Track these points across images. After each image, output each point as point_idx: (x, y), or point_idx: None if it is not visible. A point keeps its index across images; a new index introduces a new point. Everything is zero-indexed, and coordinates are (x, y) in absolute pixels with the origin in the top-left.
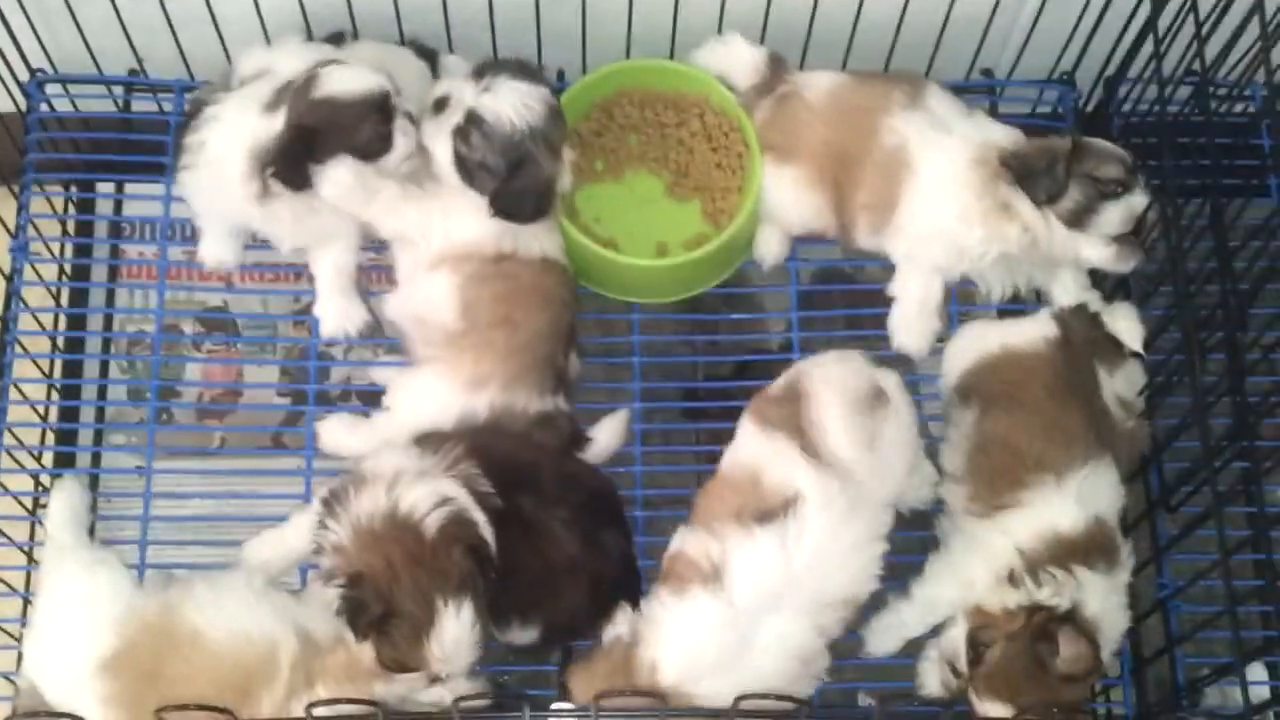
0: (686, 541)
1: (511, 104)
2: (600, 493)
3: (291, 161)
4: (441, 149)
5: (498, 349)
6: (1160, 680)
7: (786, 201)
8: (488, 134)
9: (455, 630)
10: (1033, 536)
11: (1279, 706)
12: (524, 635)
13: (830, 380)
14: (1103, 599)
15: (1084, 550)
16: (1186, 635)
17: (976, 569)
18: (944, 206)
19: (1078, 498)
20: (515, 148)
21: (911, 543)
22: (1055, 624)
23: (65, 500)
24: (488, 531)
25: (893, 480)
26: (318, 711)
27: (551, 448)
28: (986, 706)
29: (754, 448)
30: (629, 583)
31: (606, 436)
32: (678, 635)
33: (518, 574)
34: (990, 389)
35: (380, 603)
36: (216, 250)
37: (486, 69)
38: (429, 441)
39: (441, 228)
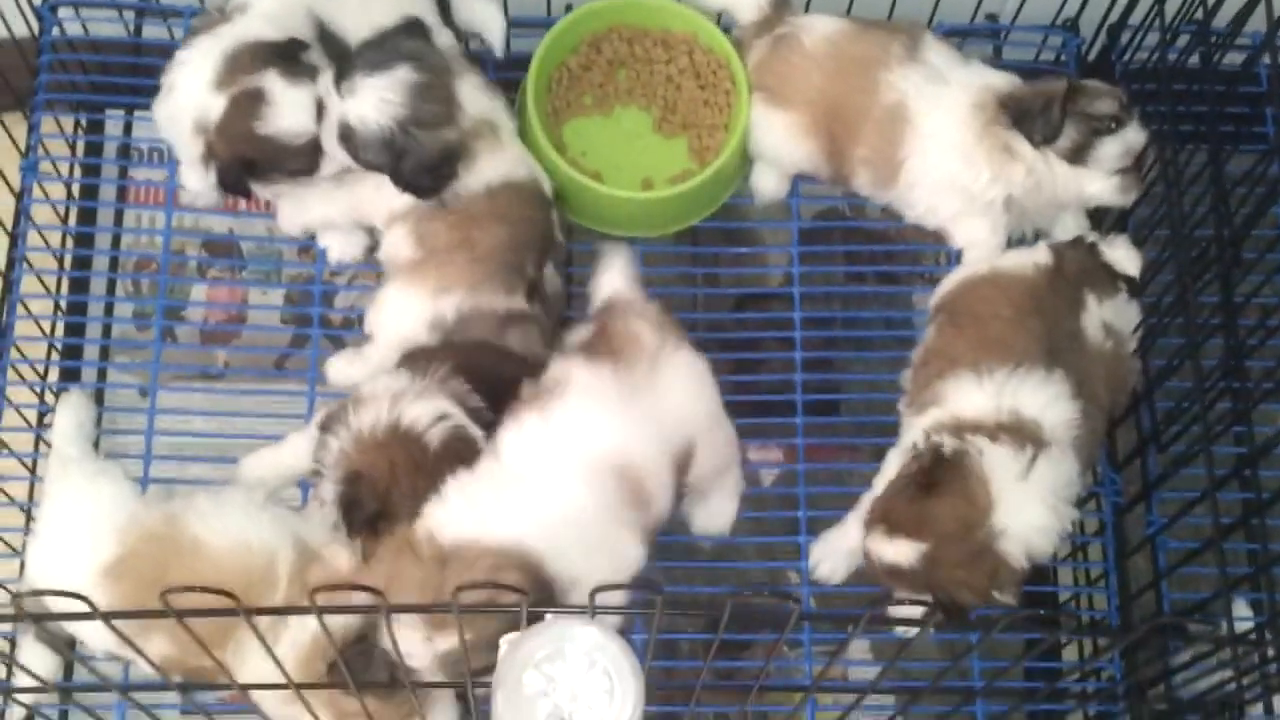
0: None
1: (372, 104)
2: None
3: (232, 179)
4: (337, 152)
5: (458, 263)
6: (1147, 618)
7: (779, 144)
8: (361, 141)
9: None
10: (937, 422)
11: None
12: None
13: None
14: (1004, 474)
15: (989, 431)
16: (1173, 567)
17: (894, 462)
18: (948, 155)
19: (993, 391)
20: (389, 145)
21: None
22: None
23: (71, 413)
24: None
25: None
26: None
27: (532, 361)
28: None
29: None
30: None
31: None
32: (449, 498)
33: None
34: (958, 305)
35: (376, 501)
36: (193, 180)
37: (343, 69)
38: (416, 362)
39: (381, 200)
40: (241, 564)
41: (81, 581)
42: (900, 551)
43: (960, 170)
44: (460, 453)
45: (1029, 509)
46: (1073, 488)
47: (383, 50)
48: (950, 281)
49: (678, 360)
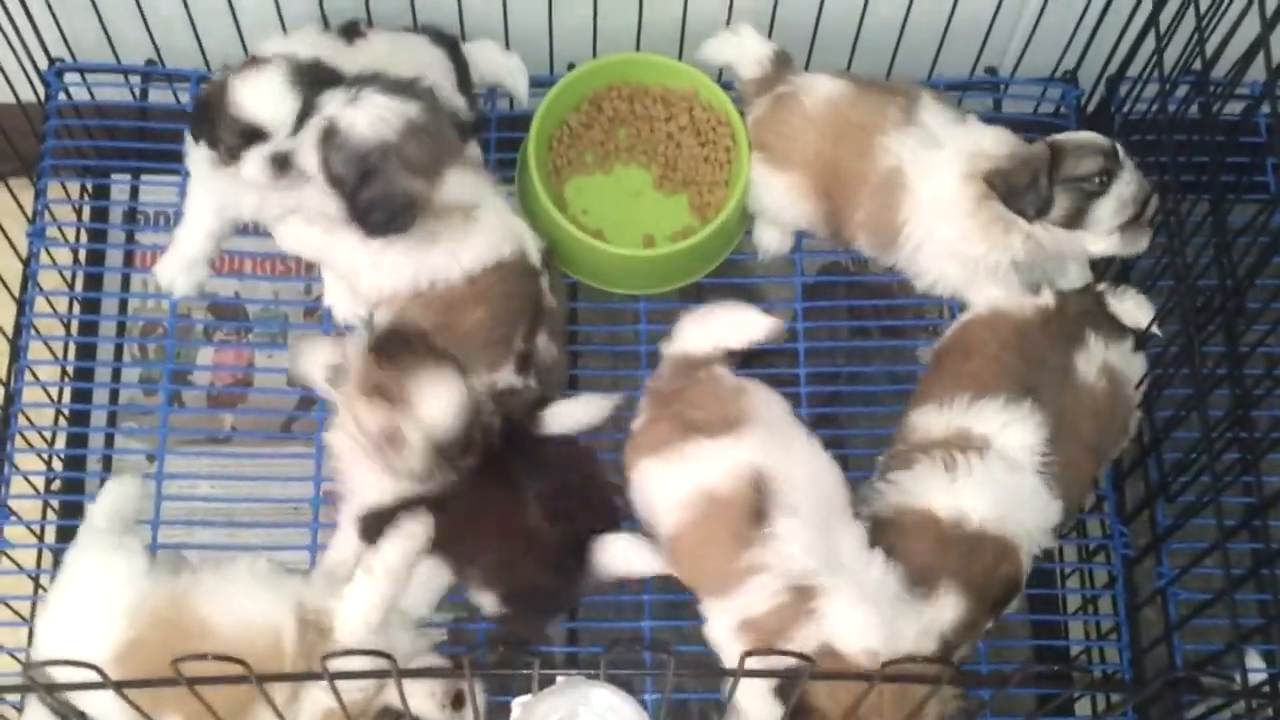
0: None
1: (368, 117)
2: (591, 479)
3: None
4: (306, 157)
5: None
6: (1159, 671)
7: (778, 205)
8: (339, 144)
9: (446, 381)
10: (890, 455)
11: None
12: (487, 600)
13: None
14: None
15: (927, 449)
16: (1184, 619)
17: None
18: (946, 223)
19: (948, 417)
20: (363, 159)
21: None
22: None
23: (118, 491)
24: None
25: None
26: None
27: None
28: None
29: None
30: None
31: (573, 410)
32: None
33: (479, 524)
34: (951, 345)
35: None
36: (170, 270)
37: (357, 81)
38: None
39: (371, 280)
40: (247, 642)
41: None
42: None
43: (958, 244)
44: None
45: (977, 498)
46: (1046, 513)
47: (402, 85)
48: (952, 326)
49: None
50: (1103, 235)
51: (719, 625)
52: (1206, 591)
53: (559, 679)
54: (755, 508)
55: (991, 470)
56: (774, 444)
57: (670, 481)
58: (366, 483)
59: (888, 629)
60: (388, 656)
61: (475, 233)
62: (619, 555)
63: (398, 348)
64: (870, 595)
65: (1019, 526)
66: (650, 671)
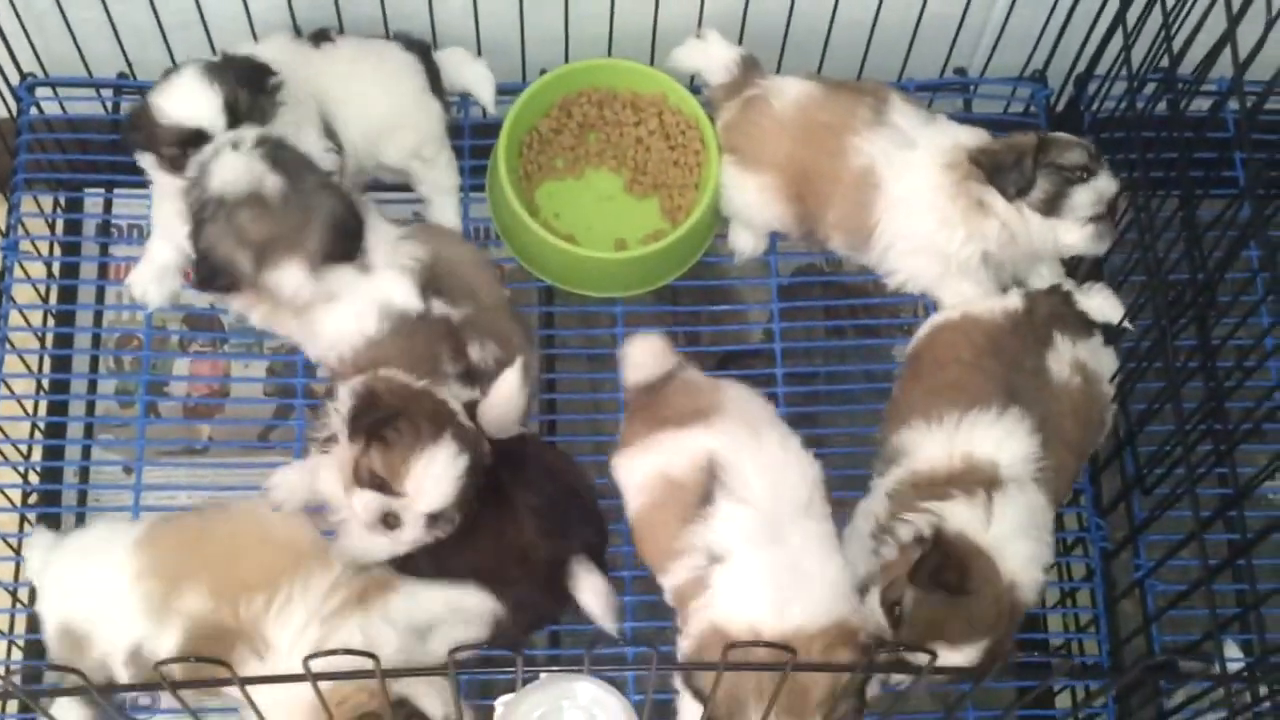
0: None
1: (224, 172)
2: (576, 490)
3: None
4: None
5: None
6: (1138, 658)
7: (750, 206)
8: (196, 183)
9: (442, 461)
10: (899, 482)
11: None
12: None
13: None
14: (969, 521)
15: (941, 487)
16: (1162, 610)
17: (863, 520)
18: (922, 218)
19: (943, 439)
20: (201, 208)
21: None
22: (929, 552)
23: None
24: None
25: None
26: (315, 664)
27: (536, 440)
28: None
29: None
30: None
31: (496, 398)
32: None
33: (475, 541)
34: (923, 353)
35: (388, 408)
36: (145, 277)
37: (260, 139)
38: None
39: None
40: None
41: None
42: (965, 656)
43: (934, 231)
44: (468, 429)
45: (1018, 550)
46: (1046, 517)
47: (291, 162)
48: (922, 329)
49: None
50: (1076, 226)
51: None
52: (1184, 583)
53: (542, 675)
54: (704, 490)
55: (1014, 506)
56: (739, 434)
57: (636, 468)
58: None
59: (784, 609)
60: (372, 656)
61: (337, 315)
62: (586, 593)
63: (384, 428)
64: (774, 575)
65: (1036, 552)
66: (633, 668)
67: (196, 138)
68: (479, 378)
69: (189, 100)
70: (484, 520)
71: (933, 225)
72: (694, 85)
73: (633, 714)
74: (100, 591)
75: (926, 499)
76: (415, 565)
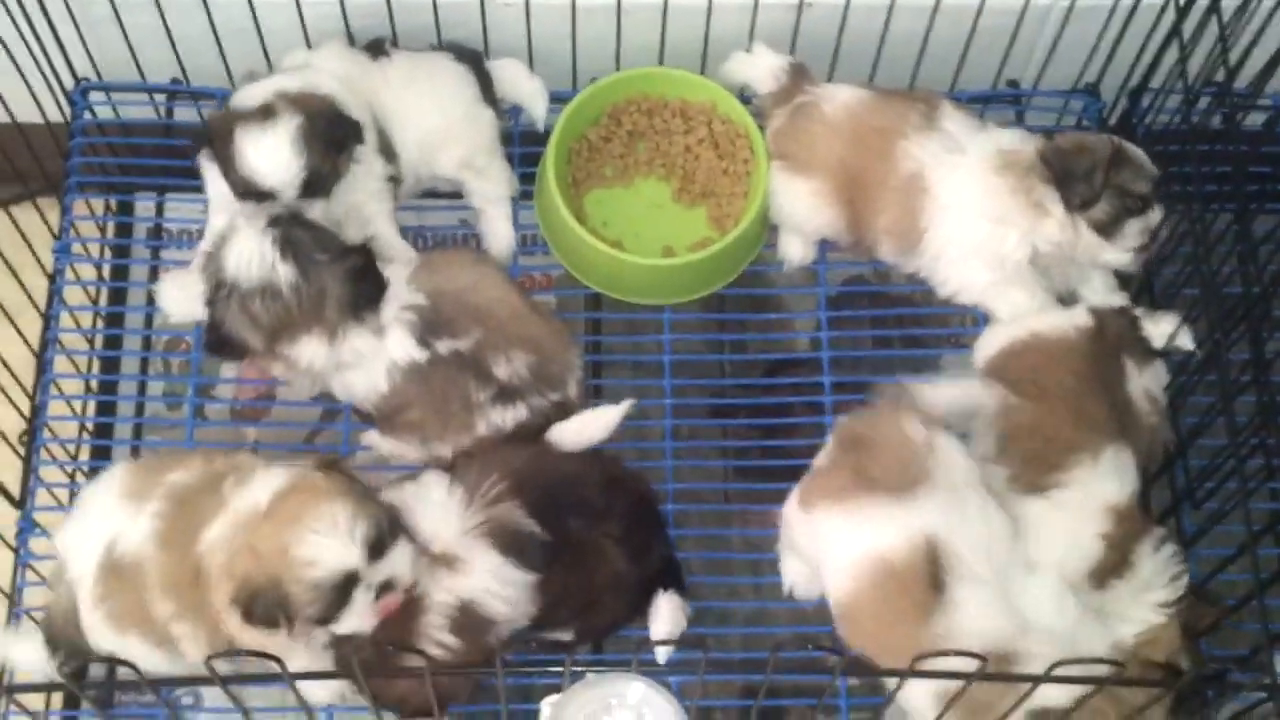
0: None
1: (238, 255)
2: (642, 496)
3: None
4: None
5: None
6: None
7: (800, 212)
8: (213, 258)
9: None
10: (1095, 514)
11: None
12: (562, 635)
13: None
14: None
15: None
16: (1212, 623)
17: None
18: (973, 222)
19: (1115, 474)
20: (217, 284)
21: None
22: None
23: None
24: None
25: None
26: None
27: (591, 455)
28: None
29: None
30: (670, 577)
31: (580, 427)
32: None
33: (567, 595)
34: (1016, 374)
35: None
36: (174, 294)
37: (284, 219)
38: (469, 470)
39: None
40: None
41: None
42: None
43: (986, 231)
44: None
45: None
46: None
47: (312, 240)
48: (991, 344)
49: None
50: (1119, 251)
51: (916, 694)
52: (1233, 597)
53: (589, 675)
54: (929, 578)
55: None
56: (950, 509)
57: (844, 540)
58: None
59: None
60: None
61: (349, 379)
62: (662, 610)
63: None
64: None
65: None
66: (680, 670)
67: (265, 194)
68: (517, 393)
69: (274, 163)
70: (573, 574)
71: (985, 227)
72: (744, 95)
73: (682, 714)
74: (85, 512)
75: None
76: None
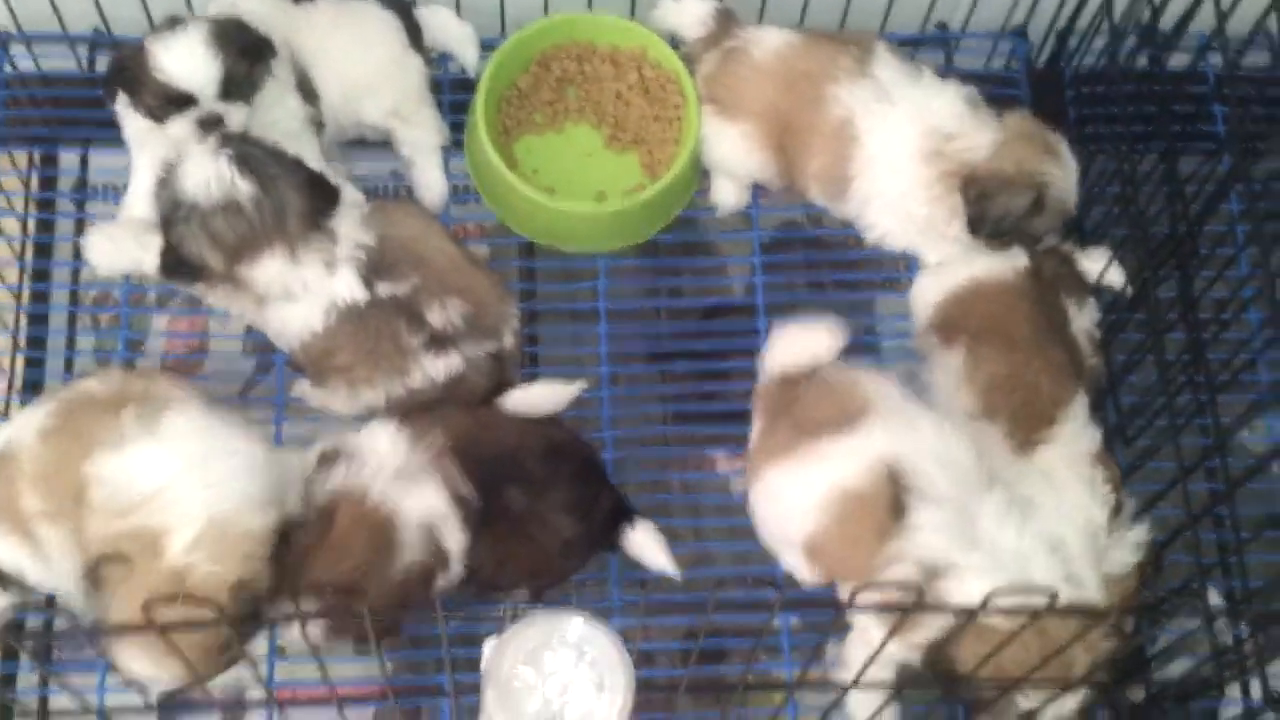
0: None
1: (195, 176)
2: (584, 459)
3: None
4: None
5: (340, 387)
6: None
7: (731, 156)
8: (165, 183)
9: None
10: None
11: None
12: (518, 596)
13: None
14: None
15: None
16: (1147, 559)
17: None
18: (897, 181)
19: (1089, 420)
20: (173, 208)
21: None
22: None
23: None
24: (455, 542)
25: None
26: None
27: (531, 423)
28: None
29: None
30: (624, 514)
31: (533, 397)
32: None
33: (510, 562)
34: (977, 324)
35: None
36: (103, 246)
37: (227, 137)
38: (415, 424)
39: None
40: None
41: None
42: None
43: (907, 196)
44: (424, 574)
45: None
46: None
47: (261, 156)
48: (930, 294)
49: None
50: None
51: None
52: (1166, 532)
53: (531, 614)
54: (892, 499)
55: None
56: (903, 432)
57: (801, 485)
58: None
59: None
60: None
61: (287, 312)
62: (644, 547)
63: None
64: (1004, 564)
65: None
66: (621, 610)
67: (184, 100)
68: (449, 341)
69: (189, 63)
70: (515, 543)
71: (908, 193)
72: (674, 41)
73: (622, 649)
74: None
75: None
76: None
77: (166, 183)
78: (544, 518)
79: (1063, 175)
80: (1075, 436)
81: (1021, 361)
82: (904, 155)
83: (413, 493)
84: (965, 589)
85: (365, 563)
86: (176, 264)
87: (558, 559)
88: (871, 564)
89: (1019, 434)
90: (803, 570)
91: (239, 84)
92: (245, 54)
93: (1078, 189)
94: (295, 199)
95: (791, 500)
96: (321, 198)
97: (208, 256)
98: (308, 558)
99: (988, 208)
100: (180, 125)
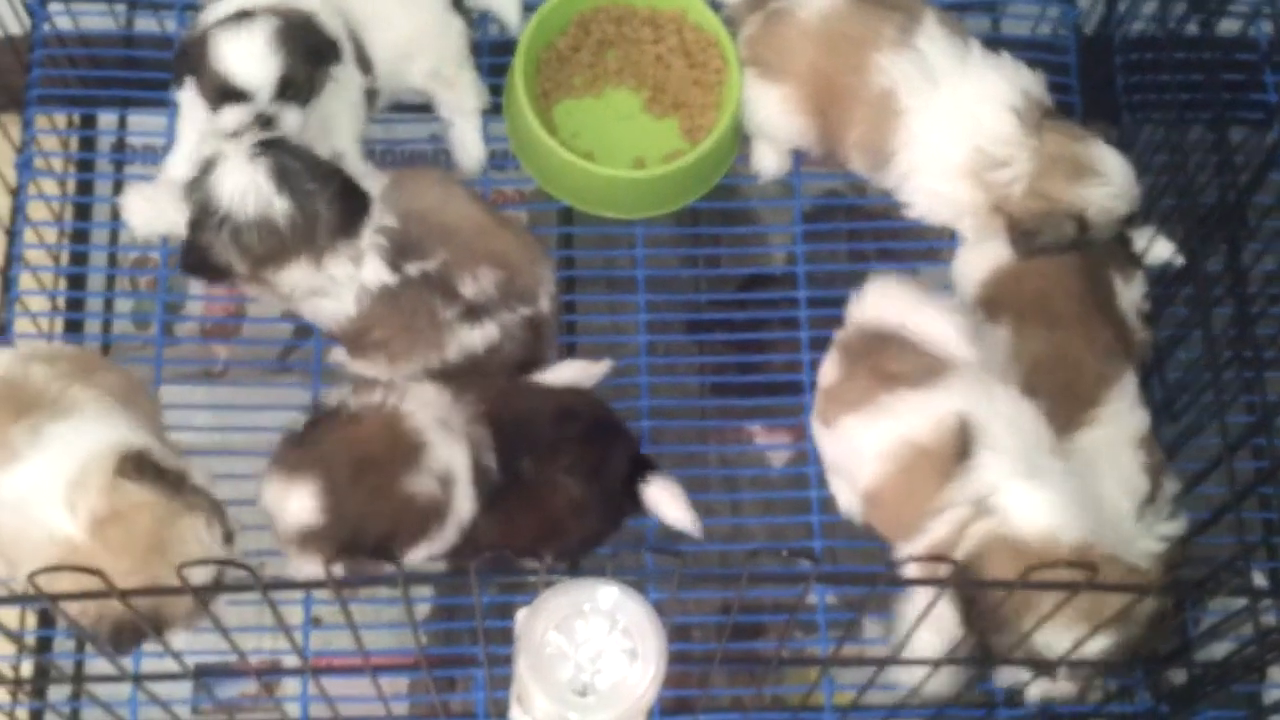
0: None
1: (231, 186)
2: (596, 419)
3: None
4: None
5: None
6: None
7: (772, 119)
8: (199, 185)
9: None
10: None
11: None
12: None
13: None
14: None
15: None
16: (1188, 535)
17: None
18: (940, 166)
19: (1137, 400)
20: (204, 212)
21: None
22: None
23: None
24: (463, 506)
25: None
26: None
27: (549, 388)
28: None
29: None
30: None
31: (564, 375)
32: None
33: (520, 531)
34: (1020, 302)
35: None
36: (140, 207)
37: (268, 142)
38: (459, 385)
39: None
40: None
41: None
42: None
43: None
44: (424, 513)
45: None
46: None
47: (301, 167)
48: (972, 270)
49: None
50: None
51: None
52: (1210, 511)
53: (563, 581)
54: (958, 449)
55: None
56: (979, 393)
57: (871, 435)
58: None
59: (1079, 523)
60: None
61: (320, 305)
62: (659, 502)
63: None
64: (1058, 487)
65: None
66: (655, 578)
67: (239, 95)
68: (484, 311)
69: (248, 62)
70: (524, 512)
71: (948, 191)
72: (714, 2)
73: (655, 617)
74: None
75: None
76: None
77: (200, 184)
78: (552, 480)
79: (1104, 190)
80: (1120, 417)
81: (1065, 340)
82: (949, 163)
83: (444, 440)
84: (1019, 503)
85: (381, 455)
86: (201, 265)
87: (571, 519)
88: (926, 512)
89: (1061, 415)
90: (855, 507)
91: (297, 87)
92: (308, 57)
93: (1130, 186)
94: (329, 214)
95: (861, 447)
96: (355, 210)
97: (234, 263)
98: (328, 434)
99: (1035, 241)
100: (231, 116)
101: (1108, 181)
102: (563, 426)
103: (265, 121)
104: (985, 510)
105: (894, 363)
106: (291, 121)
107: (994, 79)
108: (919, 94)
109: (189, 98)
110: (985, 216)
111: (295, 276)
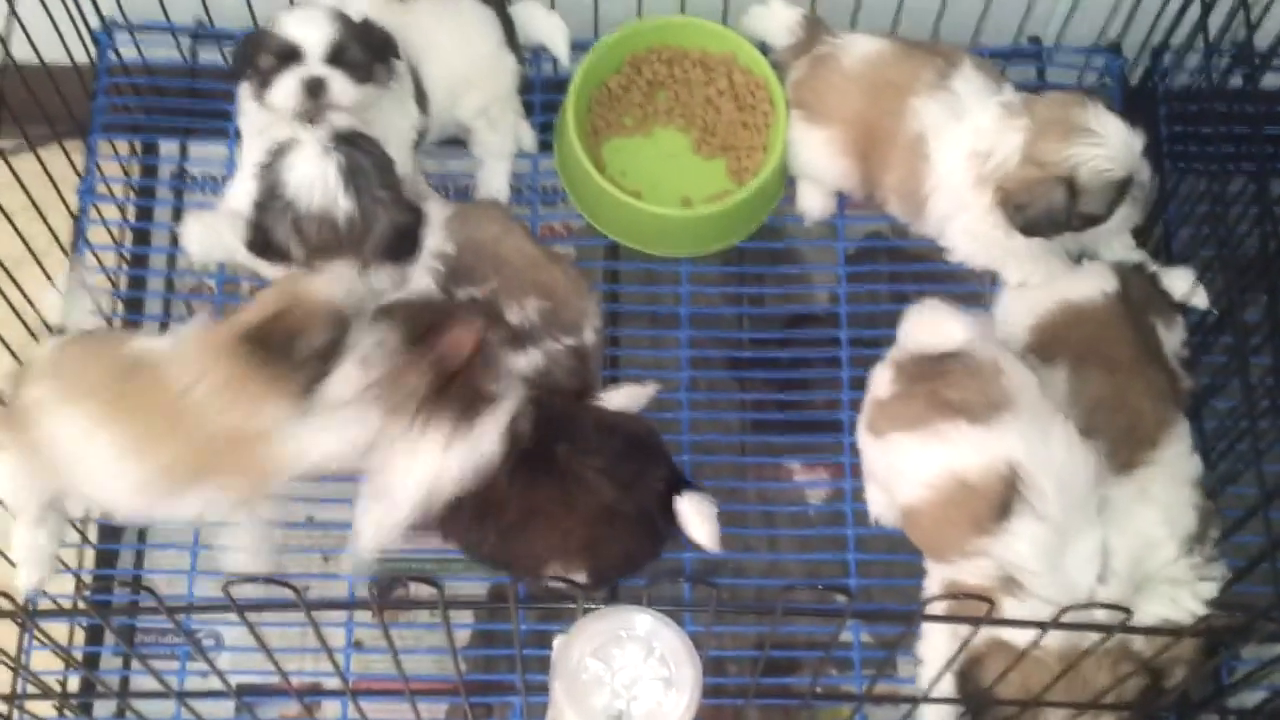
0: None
1: (301, 176)
2: (638, 435)
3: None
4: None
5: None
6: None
7: (815, 161)
8: (270, 165)
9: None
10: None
11: None
12: (579, 577)
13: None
14: None
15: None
16: (1227, 583)
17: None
18: (964, 203)
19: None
20: (270, 195)
21: None
22: None
23: None
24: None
25: None
26: None
27: (598, 407)
28: None
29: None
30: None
31: (613, 401)
32: None
33: (545, 519)
34: (1077, 347)
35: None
36: (199, 233)
37: (347, 136)
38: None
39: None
40: None
41: None
42: None
43: (981, 230)
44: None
45: None
46: None
47: (370, 171)
48: (1021, 316)
49: None
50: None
51: (931, 579)
52: (1245, 558)
53: (600, 609)
54: (1001, 500)
55: None
56: (1034, 436)
57: (920, 457)
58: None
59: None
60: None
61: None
62: (687, 516)
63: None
64: (1083, 568)
65: None
66: (691, 608)
67: (291, 54)
68: (529, 338)
69: (304, 22)
70: (550, 496)
71: (974, 219)
72: (764, 46)
73: (690, 646)
74: None
75: None
76: (488, 554)
77: (271, 168)
78: (583, 475)
79: (1097, 148)
80: (1179, 461)
81: (1125, 384)
82: (962, 183)
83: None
84: (1024, 611)
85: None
86: (265, 245)
87: (600, 525)
88: (958, 549)
89: (1121, 455)
90: (885, 515)
91: (351, 61)
92: (364, 41)
93: (1126, 148)
94: (382, 235)
95: (907, 466)
96: (407, 246)
97: (292, 248)
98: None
99: (1029, 215)
100: (284, 87)
101: (1101, 141)
102: (605, 436)
103: (315, 85)
104: (1008, 586)
105: (955, 390)
106: (341, 90)
107: (990, 100)
108: (943, 135)
109: (247, 104)
110: (998, 216)
111: (345, 272)
